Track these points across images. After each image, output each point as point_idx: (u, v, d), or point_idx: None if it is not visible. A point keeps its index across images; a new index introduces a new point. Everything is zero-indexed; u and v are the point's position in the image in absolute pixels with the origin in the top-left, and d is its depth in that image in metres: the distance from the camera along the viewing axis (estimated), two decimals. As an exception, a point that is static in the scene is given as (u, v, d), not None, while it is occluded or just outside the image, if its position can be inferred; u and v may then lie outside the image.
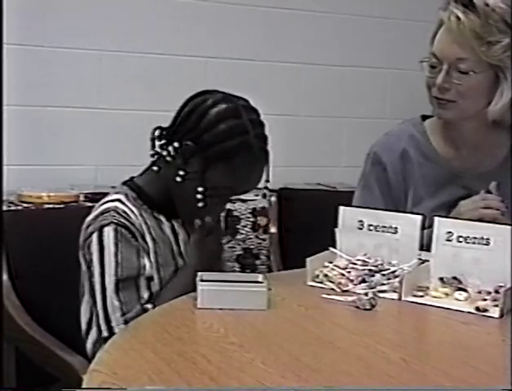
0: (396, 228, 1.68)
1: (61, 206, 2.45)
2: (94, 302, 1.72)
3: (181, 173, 1.72)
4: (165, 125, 1.77)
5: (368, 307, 1.49)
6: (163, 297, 1.69)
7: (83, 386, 1.16)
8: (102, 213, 1.73)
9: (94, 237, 1.70)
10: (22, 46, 2.71)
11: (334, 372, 1.21)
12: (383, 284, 1.60)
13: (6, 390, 2.05)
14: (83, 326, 1.82)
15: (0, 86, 1.93)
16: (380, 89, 3.41)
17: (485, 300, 1.52)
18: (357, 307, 1.50)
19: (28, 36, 2.74)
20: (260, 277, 1.57)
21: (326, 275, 1.65)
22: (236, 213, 2.83)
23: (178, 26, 3.00)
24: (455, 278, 1.60)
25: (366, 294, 1.51)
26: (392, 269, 1.64)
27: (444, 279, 1.61)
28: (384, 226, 1.69)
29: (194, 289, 1.49)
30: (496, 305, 1.49)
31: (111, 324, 1.69)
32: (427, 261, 1.65)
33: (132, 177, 1.84)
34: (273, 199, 2.92)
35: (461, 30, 1.81)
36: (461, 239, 1.60)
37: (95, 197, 2.21)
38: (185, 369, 1.19)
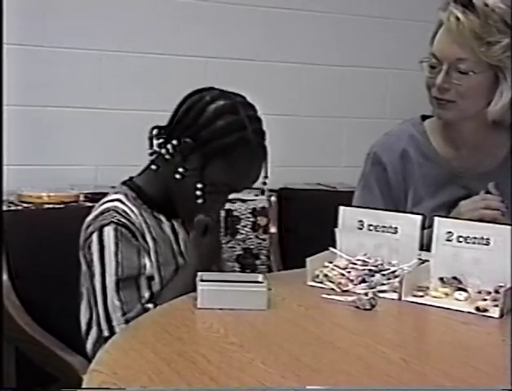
0: (396, 228, 1.68)
1: (61, 206, 2.45)
2: (95, 302, 1.72)
3: (180, 170, 1.72)
4: (163, 123, 1.78)
5: (368, 307, 1.49)
6: (164, 297, 1.69)
7: (83, 386, 1.16)
8: (102, 212, 1.73)
9: (95, 237, 1.71)
10: (22, 46, 2.71)
11: (334, 372, 1.21)
12: (383, 284, 1.60)
13: (6, 390, 2.05)
14: (83, 326, 1.82)
15: (0, 86, 1.93)
16: (380, 89, 3.41)
17: (485, 300, 1.52)
18: (357, 307, 1.50)
19: (28, 36, 2.74)
20: (260, 277, 1.57)
21: (326, 275, 1.65)
22: (236, 213, 2.83)
23: (178, 26, 3.00)
24: (455, 278, 1.60)
25: (366, 294, 1.51)
26: (392, 269, 1.64)
27: (444, 279, 1.61)
28: (384, 226, 1.69)
29: (195, 288, 1.49)
30: (496, 305, 1.49)
31: (112, 324, 1.69)
32: (427, 261, 1.65)
33: (131, 177, 1.84)
34: (273, 199, 2.92)
35: (460, 30, 1.81)
36: (461, 239, 1.60)
37: (95, 197, 2.21)
38: (185, 369, 1.19)
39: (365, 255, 1.68)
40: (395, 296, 1.58)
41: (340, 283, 1.61)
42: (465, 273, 1.59)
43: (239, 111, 1.73)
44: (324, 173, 3.28)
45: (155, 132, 1.77)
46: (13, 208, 2.40)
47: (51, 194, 2.50)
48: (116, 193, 1.79)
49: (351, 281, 1.61)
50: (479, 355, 1.32)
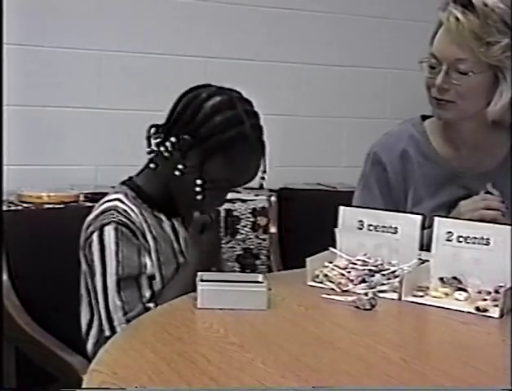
0: (396, 228, 1.68)
1: (61, 206, 2.45)
2: (96, 302, 1.72)
3: (180, 167, 1.72)
4: (160, 122, 1.78)
5: (368, 307, 1.49)
6: (165, 296, 1.70)
7: (83, 386, 1.16)
8: (102, 212, 1.73)
9: (95, 236, 1.71)
10: (22, 46, 2.71)
11: (334, 372, 1.21)
12: (383, 284, 1.60)
13: (6, 390, 2.05)
14: (84, 326, 1.82)
15: (0, 86, 1.93)
16: (380, 89, 3.41)
17: (485, 300, 1.52)
18: (357, 307, 1.50)
19: (28, 36, 2.74)
20: (260, 277, 1.57)
21: (326, 275, 1.65)
22: (236, 213, 2.83)
23: (178, 26, 3.00)
24: (455, 278, 1.60)
25: (366, 294, 1.51)
26: (392, 269, 1.64)
27: (444, 279, 1.61)
28: (384, 226, 1.69)
29: (195, 287, 1.49)
30: (496, 305, 1.49)
31: (113, 324, 1.69)
32: (427, 261, 1.65)
33: (130, 177, 1.85)
34: (273, 199, 2.92)
35: (460, 31, 1.81)
36: (461, 239, 1.60)
37: (95, 197, 2.21)
38: (185, 369, 1.19)
39: (365, 255, 1.68)
40: (395, 296, 1.58)
41: (340, 283, 1.61)
42: (465, 273, 1.59)
43: (236, 106, 1.74)
44: (324, 173, 3.28)
45: (153, 131, 1.77)
46: (13, 208, 2.40)
47: (51, 194, 2.50)
48: (116, 193, 1.79)
49: (351, 281, 1.61)
50: (479, 355, 1.32)
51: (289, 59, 3.21)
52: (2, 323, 1.94)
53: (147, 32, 2.95)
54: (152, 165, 1.79)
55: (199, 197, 1.72)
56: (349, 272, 1.63)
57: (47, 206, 2.44)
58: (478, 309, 1.49)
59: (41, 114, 2.82)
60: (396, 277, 1.61)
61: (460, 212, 1.83)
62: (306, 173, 3.24)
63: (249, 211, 2.86)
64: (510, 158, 1.98)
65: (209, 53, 3.04)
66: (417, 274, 1.62)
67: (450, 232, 1.61)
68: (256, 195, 2.88)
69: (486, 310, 1.49)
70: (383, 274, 1.62)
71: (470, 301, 1.53)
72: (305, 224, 2.92)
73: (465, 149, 1.98)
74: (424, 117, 2.04)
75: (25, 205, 2.44)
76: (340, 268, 1.65)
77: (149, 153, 1.79)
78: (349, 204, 1.86)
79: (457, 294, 1.56)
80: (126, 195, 1.78)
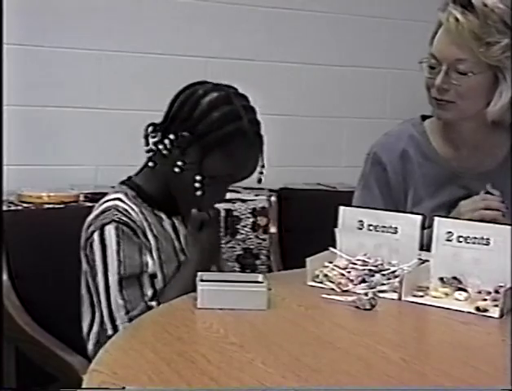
0: (396, 228, 1.68)
1: (61, 206, 2.45)
2: (98, 301, 1.72)
3: (179, 163, 1.73)
4: (157, 121, 1.79)
5: (368, 307, 1.49)
6: (166, 294, 1.70)
7: (83, 386, 1.16)
8: (103, 211, 1.73)
9: (96, 236, 1.71)
10: (22, 46, 2.71)
11: (334, 372, 1.21)
12: (383, 284, 1.60)
13: (6, 390, 2.05)
14: (85, 327, 1.82)
15: (0, 86, 1.93)
16: (380, 89, 3.41)
17: (485, 300, 1.52)
18: (357, 307, 1.50)
19: (28, 36, 2.74)
20: (260, 277, 1.57)
21: (326, 275, 1.65)
22: (236, 213, 2.83)
23: (178, 26, 3.00)
24: (455, 278, 1.60)
25: (366, 294, 1.51)
26: (392, 269, 1.64)
27: (444, 279, 1.61)
28: (384, 226, 1.69)
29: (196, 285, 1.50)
30: (496, 305, 1.49)
31: (116, 323, 1.69)
32: (427, 261, 1.65)
33: (130, 177, 1.85)
34: (273, 199, 2.92)
35: (459, 31, 1.81)
36: (461, 239, 1.60)
37: (95, 197, 2.21)
38: (185, 369, 1.19)
39: (365, 255, 1.68)
40: (395, 296, 1.58)
41: (340, 283, 1.61)
42: (465, 273, 1.59)
43: (233, 101, 1.75)
44: (324, 173, 3.28)
45: (150, 129, 1.78)
46: (13, 208, 2.40)
47: (51, 194, 2.50)
48: (116, 192, 1.79)
49: (351, 281, 1.61)
50: (479, 355, 1.32)
51: (289, 59, 3.21)
52: (2, 323, 1.94)
53: (147, 32, 2.95)
54: (150, 164, 1.79)
55: (198, 193, 1.72)
56: (349, 272, 1.64)
57: (47, 206, 2.44)
58: (478, 309, 1.50)
59: (41, 114, 2.82)
60: (396, 277, 1.61)
61: (460, 212, 1.83)
62: (306, 173, 3.24)
63: (249, 211, 2.85)
64: (510, 158, 1.98)
65: (209, 53, 3.04)
66: (417, 274, 1.62)
67: (450, 232, 1.61)
68: (256, 195, 2.88)
69: (486, 310, 1.49)
70: (383, 274, 1.62)
71: (470, 301, 1.53)
72: (305, 224, 2.92)
73: (465, 149, 1.98)
74: (424, 117, 2.04)
75: (25, 205, 2.44)
76: (340, 268, 1.65)
77: (147, 152, 1.79)
78: (349, 204, 1.87)
79: (457, 294, 1.56)
80: (126, 195, 1.78)
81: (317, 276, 1.66)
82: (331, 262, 1.68)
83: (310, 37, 3.24)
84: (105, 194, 1.82)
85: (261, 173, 1.79)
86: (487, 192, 1.86)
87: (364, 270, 1.64)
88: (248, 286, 1.51)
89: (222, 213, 2.70)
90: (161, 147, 1.75)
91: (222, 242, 2.58)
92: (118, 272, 1.69)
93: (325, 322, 1.49)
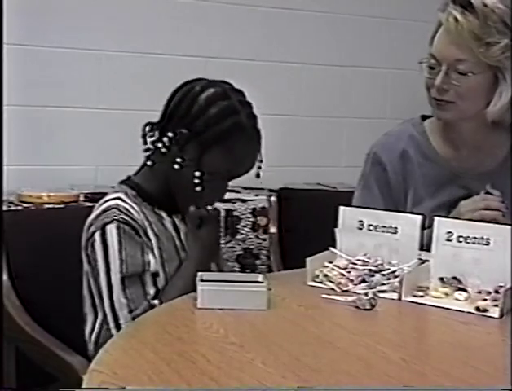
0: (396, 228, 1.68)
1: (61, 206, 2.45)
2: (101, 301, 1.72)
3: (178, 160, 1.73)
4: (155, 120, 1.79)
5: (368, 307, 1.49)
6: (168, 292, 1.70)
7: (83, 386, 1.16)
8: (103, 211, 1.73)
9: (97, 236, 1.71)
10: (22, 46, 2.71)
11: (334, 372, 1.21)
12: (383, 284, 1.60)
13: (6, 390, 2.05)
14: (88, 327, 1.81)
15: (0, 86, 1.93)
16: (380, 89, 3.41)
17: (485, 300, 1.52)
18: (357, 307, 1.50)
19: (28, 36, 2.74)
20: (260, 277, 1.57)
21: (326, 275, 1.65)
22: (236, 213, 2.83)
23: (178, 26, 3.00)
24: (455, 278, 1.60)
25: (366, 294, 1.51)
26: (392, 269, 1.64)
27: (444, 279, 1.61)
28: (384, 226, 1.69)
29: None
30: (496, 305, 1.49)
31: (119, 322, 1.69)
32: (427, 261, 1.65)
33: (129, 176, 1.85)
34: (273, 199, 2.92)
35: (459, 31, 1.81)
36: (461, 239, 1.60)
37: (95, 197, 2.21)
38: (185, 369, 1.19)
39: (365, 255, 1.68)
40: (395, 296, 1.58)
41: (340, 283, 1.61)
42: (465, 273, 1.59)
43: (230, 97, 1.76)
44: (324, 173, 3.28)
45: (148, 128, 1.78)
46: (13, 208, 2.40)
47: (51, 194, 2.50)
48: (116, 192, 1.79)
49: (351, 281, 1.61)
50: (479, 355, 1.32)
51: (289, 59, 3.21)
52: (2, 323, 1.94)
53: (147, 32, 2.95)
54: (149, 163, 1.80)
55: (198, 189, 1.72)
56: (349, 272, 1.63)
57: (47, 206, 2.44)
58: (478, 309, 1.50)
59: (41, 114, 2.82)
60: (396, 277, 1.61)
61: (460, 212, 1.83)
62: (306, 173, 3.24)
63: (249, 211, 2.86)
64: (510, 158, 1.98)
65: (209, 53, 3.04)
66: (417, 274, 1.62)
67: (450, 232, 1.61)
68: (256, 195, 2.88)
69: (486, 310, 1.49)
70: (383, 274, 1.62)
71: (470, 301, 1.53)
72: (305, 224, 2.91)
73: (465, 149, 1.98)
74: (424, 117, 2.04)
75: (25, 205, 2.44)
76: (340, 268, 1.65)
77: (146, 151, 1.80)
78: (349, 204, 1.87)
79: (457, 294, 1.56)
80: (126, 194, 1.78)
81: (317, 276, 1.66)
82: (331, 262, 1.68)
83: (310, 37, 3.24)
84: (105, 194, 1.82)
85: (259, 168, 1.79)
86: (487, 192, 1.86)
87: (364, 270, 1.64)
88: (248, 286, 1.51)
89: (222, 213, 2.70)
90: (159, 145, 1.75)
91: (222, 242, 2.59)
92: (120, 271, 1.69)
93: (325, 322, 1.49)
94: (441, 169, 1.97)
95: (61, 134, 2.86)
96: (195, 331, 1.44)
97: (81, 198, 2.56)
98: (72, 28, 2.83)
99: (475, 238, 1.58)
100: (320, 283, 1.65)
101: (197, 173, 1.72)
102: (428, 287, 1.60)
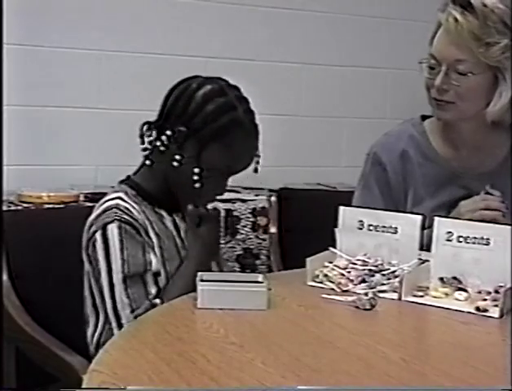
0: (396, 228, 1.68)
1: (61, 206, 2.45)
2: (102, 301, 1.72)
3: (177, 157, 1.73)
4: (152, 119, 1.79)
5: (368, 307, 1.49)
6: (169, 291, 1.70)
7: (83, 386, 1.16)
8: (104, 211, 1.73)
9: (98, 235, 1.71)
10: (22, 46, 2.71)
11: (334, 372, 1.21)
12: (383, 284, 1.60)
13: (6, 390, 2.05)
14: (89, 328, 1.81)
15: (0, 86, 1.93)
16: (380, 89, 3.41)
17: (485, 300, 1.52)
18: (357, 307, 1.50)
19: (28, 36, 2.74)
20: (260, 277, 1.57)
21: (326, 275, 1.65)
22: (236, 213, 2.83)
23: (178, 26, 3.00)
24: (455, 278, 1.60)
25: (366, 294, 1.51)
26: (392, 269, 1.64)
27: (444, 279, 1.61)
28: (384, 226, 1.69)
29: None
30: (496, 305, 1.49)
31: (121, 321, 1.69)
32: (427, 261, 1.65)
33: (128, 176, 1.85)
34: (273, 199, 2.92)
35: (459, 31, 1.81)
36: (461, 239, 1.60)
37: (95, 197, 2.21)
38: (185, 369, 1.19)
39: (365, 255, 1.68)
40: (395, 296, 1.58)
41: (340, 283, 1.61)
42: (465, 273, 1.59)
43: (227, 92, 1.77)
44: (324, 173, 3.28)
45: (145, 128, 1.79)
46: (13, 208, 2.40)
47: (51, 194, 2.50)
48: (116, 191, 1.79)
49: (351, 281, 1.61)
50: (479, 355, 1.32)
51: (289, 59, 3.21)
52: (2, 323, 1.94)
53: (147, 32, 2.95)
54: (147, 162, 1.80)
55: (197, 185, 1.72)
56: (349, 272, 1.64)
57: (47, 206, 2.44)
58: (478, 309, 1.50)
59: (41, 114, 2.82)
60: (396, 277, 1.61)
61: (460, 212, 1.83)
62: (306, 173, 3.24)
63: (249, 211, 2.85)
64: (510, 158, 1.98)
65: (209, 53, 3.04)
66: (417, 274, 1.62)
67: (450, 232, 1.61)
68: (256, 195, 2.88)
69: (486, 310, 1.49)
70: (383, 274, 1.62)
71: (470, 301, 1.53)
72: (305, 224, 2.91)
73: (465, 149, 1.98)
74: (424, 117, 2.04)
75: (25, 205, 2.44)
76: (340, 268, 1.65)
77: (144, 150, 1.80)
78: (349, 204, 1.87)
79: (457, 294, 1.56)
80: (127, 194, 1.78)
81: (317, 276, 1.66)
82: (331, 262, 1.68)
83: (310, 37, 3.24)
84: (105, 194, 1.82)
85: (257, 162, 1.79)
86: (487, 192, 1.86)
87: (364, 270, 1.64)
88: (248, 286, 1.51)
89: (222, 213, 2.70)
90: (158, 143, 1.76)
91: (222, 242, 2.59)
92: (122, 271, 1.69)
93: (325, 322, 1.49)
94: (441, 169, 1.97)
95: (61, 134, 2.86)
96: (195, 331, 1.44)
97: (81, 198, 2.56)
98: (72, 28, 2.83)
99: (475, 238, 1.58)
100: (320, 283, 1.65)
101: (196, 170, 1.73)
102: (428, 287, 1.60)
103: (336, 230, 1.73)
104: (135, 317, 1.66)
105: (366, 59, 3.35)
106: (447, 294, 1.58)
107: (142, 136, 1.79)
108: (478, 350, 1.35)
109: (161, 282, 1.75)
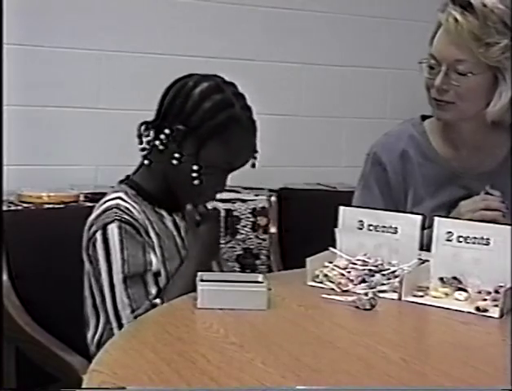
0: (396, 228, 1.68)
1: (61, 206, 2.45)
2: (103, 301, 1.72)
3: (176, 155, 1.73)
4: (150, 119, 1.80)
5: (368, 307, 1.49)
6: (169, 291, 1.70)
7: (83, 386, 1.16)
8: (104, 211, 1.73)
9: (99, 235, 1.71)
10: (22, 46, 2.71)
11: (334, 372, 1.21)
12: (383, 284, 1.60)
13: (6, 390, 2.05)
14: (90, 329, 1.81)
15: (0, 86, 1.93)
16: (380, 89, 3.41)
17: (485, 300, 1.52)
18: (357, 307, 1.50)
19: (28, 36, 2.74)
20: (260, 277, 1.57)
21: (326, 275, 1.65)
22: (236, 213, 2.83)
23: (178, 26, 3.00)
24: (455, 278, 1.60)
25: (366, 294, 1.51)
26: (392, 269, 1.64)
27: (444, 279, 1.61)
28: (384, 226, 1.69)
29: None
30: (496, 305, 1.49)
31: (121, 321, 1.69)
32: (427, 261, 1.65)
33: (128, 176, 1.85)
34: (273, 199, 2.92)
35: (459, 32, 1.81)
36: (461, 239, 1.60)
37: (95, 197, 2.21)
38: (185, 369, 1.19)
39: (365, 255, 1.68)
40: (395, 296, 1.58)
41: (340, 283, 1.61)
42: (465, 273, 1.59)
43: (224, 89, 1.77)
44: (324, 173, 3.28)
45: (143, 128, 1.79)
46: (13, 208, 2.39)
47: (51, 194, 2.49)
48: (116, 191, 1.79)
49: (351, 281, 1.62)
50: (479, 355, 1.32)
51: (289, 59, 3.21)
52: (2, 323, 1.94)
53: (147, 32, 2.95)
54: (146, 162, 1.80)
55: (196, 182, 1.72)
56: (349, 272, 1.64)
57: (47, 206, 2.44)
58: (478, 309, 1.50)
59: (41, 114, 2.82)
60: (396, 277, 1.61)
61: (460, 212, 1.84)
62: (306, 173, 3.24)
63: (249, 211, 2.85)
64: (510, 158, 1.98)
65: (209, 53, 3.04)
66: (417, 274, 1.62)
67: (450, 232, 1.61)
68: (256, 195, 2.88)
69: (486, 310, 1.49)
70: (383, 274, 1.62)
71: (470, 301, 1.53)
72: (305, 224, 2.91)
73: (465, 149, 1.98)
74: (424, 117, 2.04)
75: (25, 205, 2.44)
76: (340, 268, 1.65)
77: (142, 150, 1.80)
78: (349, 204, 1.87)
79: (457, 294, 1.56)
80: (127, 194, 1.78)
81: (317, 276, 1.66)
82: (331, 262, 1.69)
83: (310, 37, 3.24)
84: (105, 194, 1.82)
85: (255, 158, 1.79)
86: (487, 193, 1.86)
87: (364, 270, 1.64)
88: (248, 286, 1.51)
89: (222, 213, 2.70)
90: (156, 142, 1.76)
91: (222, 242, 2.59)
92: (122, 271, 1.69)
93: (325, 322, 1.49)
94: (441, 169, 1.98)
95: (61, 134, 2.86)
96: (195, 331, 1.44)
97: (81, 198, 2.56)
98: (72, 28, 2.83)
99: (475, 238, 1.58)
100: (320, 283, 1.65)
101: (195, 167, 1.73)
102: (428, 287, 1.61)
103: (336, 230, 1.73)
104: (135, 317, 1.66)
105: (366, 59, 3.35)
106: (447, 294, 1.58)
107: (140, 136, 1.79)
108: (478, 350, 1.35)
109: (161, 282, 1.75)
